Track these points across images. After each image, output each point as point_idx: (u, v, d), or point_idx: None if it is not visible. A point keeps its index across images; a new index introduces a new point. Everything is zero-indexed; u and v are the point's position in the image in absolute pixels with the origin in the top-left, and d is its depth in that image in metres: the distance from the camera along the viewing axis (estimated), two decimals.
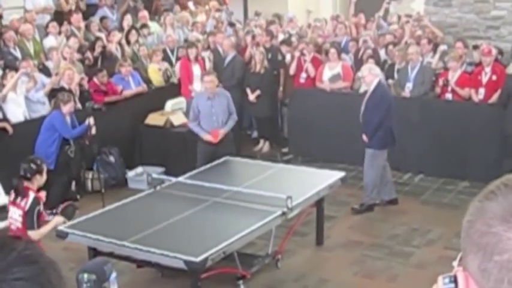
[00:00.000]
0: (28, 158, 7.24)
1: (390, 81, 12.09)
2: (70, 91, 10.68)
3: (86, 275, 6.49)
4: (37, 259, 1.21)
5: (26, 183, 6.88)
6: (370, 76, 9.83)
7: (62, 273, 1.27)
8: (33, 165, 6.98)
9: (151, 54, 12.93)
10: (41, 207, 6.92)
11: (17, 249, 1.20)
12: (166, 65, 12.99)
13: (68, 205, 7.43)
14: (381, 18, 15.50)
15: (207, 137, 9.95)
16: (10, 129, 9.79)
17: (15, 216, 6.88)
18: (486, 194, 1.30)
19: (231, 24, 15.67)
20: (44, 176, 7.12)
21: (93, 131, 10.05)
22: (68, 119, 10.08)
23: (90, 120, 9.98)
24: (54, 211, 8.60)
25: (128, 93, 11.76)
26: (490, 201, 1.28)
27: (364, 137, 9.78)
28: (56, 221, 7.06)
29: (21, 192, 6.83)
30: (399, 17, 16.02)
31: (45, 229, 6.90)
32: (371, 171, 9.87)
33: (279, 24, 15.55)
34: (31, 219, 6.79)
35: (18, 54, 11.62)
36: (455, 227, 8.70)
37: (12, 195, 6.93)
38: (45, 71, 11.26)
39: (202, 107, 10.02)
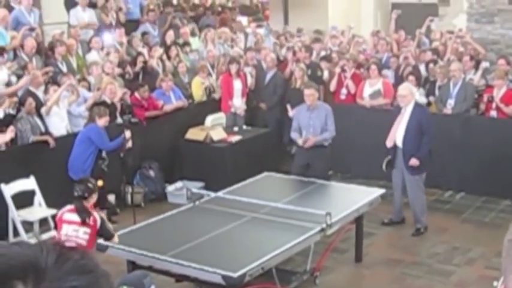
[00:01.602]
0: (81, 179, 7.41)
1: (431, 98, 12.02)
2: (113, 105, 10.78)
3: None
4: (92, 269, 1.23)
5: (85, 203, 6.99)
6: (410, 96, 9.68)
7: (114, 286, 1.30)
8: (90, 185, 7.15)
9: (198, 69, 12.99)
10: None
11: (73, 259, 1.21)
12: (211, 80, 13.06)
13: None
14: (423, 34, 15.40)
15: (299, 140, 10.17)
16: (52, 143, 9.89)
17: (80, 235, 6.94)
18: None
19: (279, 36, 15.79)
20: (95, 196, 7.23)
21: (129, 144, 10.11)
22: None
23: (127, 133, 10.04)
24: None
25: (168, 107, 11.83)
26: None
27: (415, 161, 9.53)
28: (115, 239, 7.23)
29: (86, 212, 6.94)
30: (441, 34, 15.91)
31: (116, 237, 7.16)
32: (421, 195, 9.79)
33: (322, 41, 15.52)
34: (107, 230, 7.10)
35: (64, 68, 11.77)
36: (496, 246, 8.59)
37: (74, 215, 6.97)
38: (87, 86, 11.38)
39: (301, 119, 10.26)
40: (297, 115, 10.40)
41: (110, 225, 7.33)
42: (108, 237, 7.10)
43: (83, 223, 6.94)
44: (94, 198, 7.17)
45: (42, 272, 1.16)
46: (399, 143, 9.64)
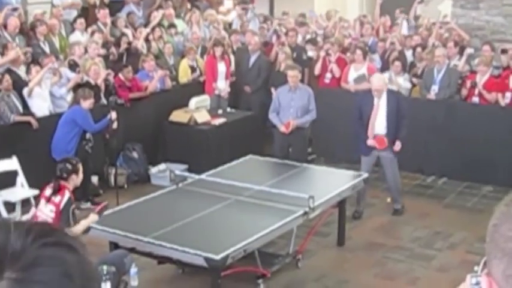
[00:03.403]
0: (64, 158, 7.34)
1: (414, 80, 12.08)
2: (96, 86, 10.72)
3: (105, 267, 6.52)
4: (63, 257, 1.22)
5: (62, 183, 6.96)
6: (385, 87, 9.67)
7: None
8: (68, 165, 7.07)
9: (186, 51, 12.96)
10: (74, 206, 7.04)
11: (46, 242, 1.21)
12: (201, 62, 13.03)
13: (104, 206, 7.48)
14: (405, 18, 15.48)
15: (281, 128, 10.16)
16: (35, 123, 9.84)
17: (45, 211, 6.95)
18: None
19: (265, 20, 15.72)
20: (80, 176, 7.19)
21: (115, 125, 10.08)
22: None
23: (113, 115, 10.00)
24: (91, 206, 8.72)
25: (151, 86, 11.74)
26: None
27: (398, 144, 9.56)
28: (92, 218, 7.08)
29: (58, 191, 6.91)
30: (428, 20, 15.95)
31: (81, 226, 6.93)
32: (398, 175, 9.84)
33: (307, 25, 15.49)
34: (66, 217, 6.89)
35: (47, 48, 11.68)
36: (477, 231, 8.69)
37: (49, 191, 6.98)
38: (74, 66, 11.28)
39: (282, 99, 10.29)
40: (278, 95, 10.42)
41: (75, 214, 7.09)
42: (64, 224, 6.83)
43: (48, 198, 6.92)
44: (74, 179, 7.10)
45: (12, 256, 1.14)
46: (380, 131, 9.66)
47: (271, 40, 14.44)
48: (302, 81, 12.77)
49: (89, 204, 9.81)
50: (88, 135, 10.04)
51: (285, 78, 10.60)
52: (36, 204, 7.47)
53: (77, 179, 7.15)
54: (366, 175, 8.97)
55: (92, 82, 10.76)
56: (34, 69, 10.36)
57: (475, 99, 11.38)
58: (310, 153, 12.43)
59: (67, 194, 6.92)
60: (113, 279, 6.58)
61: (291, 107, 10.18)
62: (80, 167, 7.24)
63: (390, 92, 9.79)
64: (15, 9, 11.90)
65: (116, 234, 7.07)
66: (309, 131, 10.49)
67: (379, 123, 9.60)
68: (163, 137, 11.79)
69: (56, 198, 6.89)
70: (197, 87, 12.70)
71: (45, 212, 6.96)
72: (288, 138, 10.22)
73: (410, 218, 9.89)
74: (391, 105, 9.54)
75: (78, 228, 6.87)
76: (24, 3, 12.90)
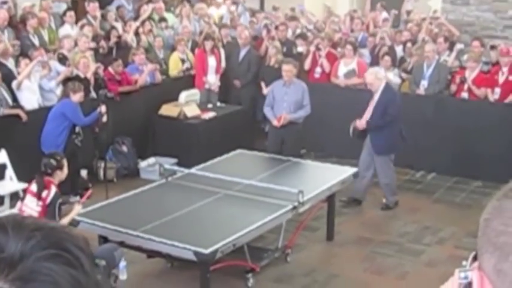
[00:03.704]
0: (48, 153, 7.33)
1: (403, 75, 12.09)
2: (86, 80, 10.69)
3: (95, 261, 6.51)
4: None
5: (47, 178, 6.96)
6: (377, 81, 9.70)
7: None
8: (53, 161, 7.08)
9: (176, 43, 12.93)
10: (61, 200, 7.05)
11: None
12: (191, 55, 13.01)
13: (89, 194, 7.43)
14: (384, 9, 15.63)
15: (274, 122, 10.17)
16: (24, 116, 9.80)
17: (31, 205, 6.96)
18: (505, 192, 1.27)
19: (253, 14, 15.74)
20: (65, 171, 7.21)
21: (104, 119, 10.06)
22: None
23: (102, 108, 9.99)
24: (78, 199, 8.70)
25: (141, 80, 11.72)
26: (509, 199, 1.25)
27: (360, 123, 9.68)
28: (77, 209, 7.10)
29: (43, 186, 6.91)
30: (416, 15, 16.01)
31: (67, 219, 6.94)
32: (388, 172, 9.85)
33: (297, 19, 15.51)
34: (53, 211, 6.91)
35: (36, 41, 11.64)
36: (466, 226, 8.74)
37: (34, 186, 6.99)
38: (63, 60, 11.25)
39: (276, 93, 10.27)
40: (273, 89, 10.41)
41: (61, 208, 7.14)
42: (53, 217, 6.93)
43: (34, 193, 6.94)
44: (59, 175, 7.12)
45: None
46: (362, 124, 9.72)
47: (260, 34, 14.43)
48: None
49: (78, 198, 9.79)
50: (77, 129, 10.00)
51: (275, 73, 10.60)
52: (22, 199, 7.46)
53: (61, 174, 7.17)
54: (355, 170, 9.00)
55: (82, 75, 10.72)
56: (23, 62, 10.32)
57: (464, 94, 11.41)
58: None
59: (53, 189, 6.94)
60: (103, 272, 6.58)
61: (284, 101, 10.16)
62: (65, 162, 7.25)
63: (387, 89, 9.77)
64: (4, 3, 11.84)
65: (105, 228, 7.05)
66: (301, 126, 10.48)
67: (366, 116, 9.67)
68: (152, 130, 11.76)
69: (43, 193, 6.90)
70: (187, 81, 12.69)
71: (31, 207, 6.98)
72: (281, 133, 10.20)
73: (400, 213, 9.91)
74: (381, 101, 9.57)
75: (65, 221, 6.88)
76: None
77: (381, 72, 10.21)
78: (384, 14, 15.87)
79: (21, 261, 1.07)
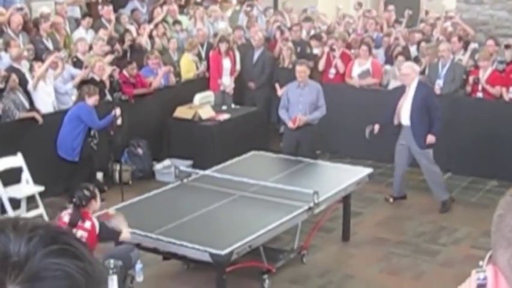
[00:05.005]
0: (81, 185, 7.02)
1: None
2: (101, 82, 10.73)
3: (112, 261, 6.53)
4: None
5: (83, 210, 6.73)
6: (413, 74, 9.72)
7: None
8: (87, 192, 6.75)
9: (189, 46, 12.93)
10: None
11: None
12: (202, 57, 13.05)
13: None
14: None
15: (289, 123, 10.15)
16: (40, 119, 9.84)
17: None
18: None
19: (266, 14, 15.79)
20: (99, 201, 6.94)
21: (119, 121, 10.09)
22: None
23: (117, 111, 10.02)
24: None
25: (156, 82, 11.76)
26: None
27: (431, 138, 9.68)
28: (121, 218, 6.94)
29: (80, 218, 6.68)
30: (427, 13, 15.99)
31: (126, 233, 6.76)
32: (434, 168, 9.88)
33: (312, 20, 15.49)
34: (111, 232, 6.75)
35: (50, 45, 11.69)
36: (482, 226, 8.70)
37: (66, 217, 6.72)
38: (78, 63, 11.29)
39: (291, 95, 10.23)
40: (287, 91, 10.38)
41: (112, 224, 6.90)
42: (114, 237, 6.81)
43: (75, 226, 6.70)
44: (94, 205, 6.78)
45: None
46: (405, 122, 9.74)
47: (273, 35, 14.42)
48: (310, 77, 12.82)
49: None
50: (93, 132, 10.05)
51: (290, 74, 10.58)
52: None
53: (96, 205, 6.85)
54: (369, 170, 8.99)
55: (97, 78, 10.77)
56: (36, 65, 10.36)
57: (479, 94, 11.37)
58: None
59: (95, 221, 6.70)
60: (120, 273, 6.60)
61: (299, 103, 10.13)
62: (97, 192, 7.02)
63: (421, 84, 9.84)
64: (20, 9, 11.92)
65: None
66: (317, 128, 10.45)
67: (404, 112, 9.70)
68: (167, 133, 11.79)
69: (85, 224, 6.68)
70: (201, 83, 12.71)
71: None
72: (296, 135, 10.16)
73: (415, 213, 9.88)
74: (418, 96, 9.58)
75: (125, 236, 6.74)
76: (28, 0, 12.90)
77: (417, 67, 10.23)
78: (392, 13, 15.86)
79: (27, 261, 1.05)
